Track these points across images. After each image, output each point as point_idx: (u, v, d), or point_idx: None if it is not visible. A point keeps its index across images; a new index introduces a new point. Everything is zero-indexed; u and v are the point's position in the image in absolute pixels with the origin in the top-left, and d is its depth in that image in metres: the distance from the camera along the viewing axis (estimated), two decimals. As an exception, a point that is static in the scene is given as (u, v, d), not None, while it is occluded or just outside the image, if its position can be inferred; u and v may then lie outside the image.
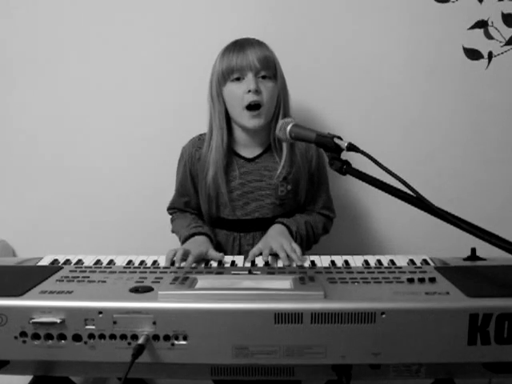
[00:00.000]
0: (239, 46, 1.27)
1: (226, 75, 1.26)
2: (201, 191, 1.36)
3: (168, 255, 1.11)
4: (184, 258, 1.10)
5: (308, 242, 1.35)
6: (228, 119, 1.33)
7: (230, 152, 1.34)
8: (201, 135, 1.39)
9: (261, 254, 1.16)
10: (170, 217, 1.45)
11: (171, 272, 1.03)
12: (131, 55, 1.59)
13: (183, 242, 1.27)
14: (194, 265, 1.11)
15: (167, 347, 0.85)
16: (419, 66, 1.58)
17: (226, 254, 1.31)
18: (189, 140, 1.40)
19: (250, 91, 1.24)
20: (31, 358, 0.88)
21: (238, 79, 1.26)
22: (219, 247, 1.34)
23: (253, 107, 1.25)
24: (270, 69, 1.27)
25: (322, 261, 1.12)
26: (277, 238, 1.20)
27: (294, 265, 1.10)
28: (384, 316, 0.83)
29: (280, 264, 1.12)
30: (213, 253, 1.16)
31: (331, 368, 0.88)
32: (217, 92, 1.30)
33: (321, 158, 1.39)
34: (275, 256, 1.14)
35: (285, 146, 1.32)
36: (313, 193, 1.40)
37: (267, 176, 1.34)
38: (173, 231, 1.40)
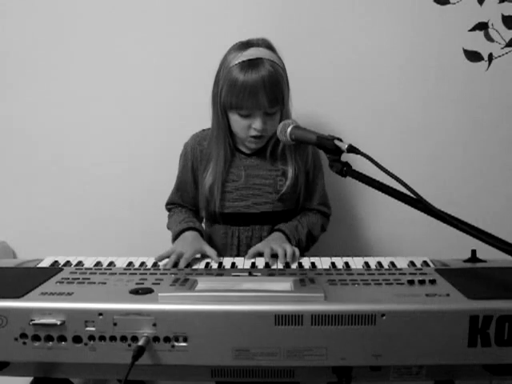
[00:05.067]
0: (251, 84, 1.21)
1: (233, 107, 1.25)
2: (201, 185, 1.37)
3: (161, 256, 1.14)
4: (177, 262, 1.13)
5: (307, 246, 1.36)
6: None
7: (232, 147, 1.35)
8: (203, 130, 1.40)
9: (260, 254, 1.18)
10: (168, 213, 1.45)
11: (171, 274, 1.03)
12: (131, 55, 1.59)
13: (174, 238, 1.29)
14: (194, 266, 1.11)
15: (167, 349, 0.84)
16: (420, 67, 1.58)
17: (224, 248, 1.36)
18: (191, 136, 1.41)
19: (255, 129, 1.26)
20: (31, 360, 0.88)
21: (245, 116, 1.26)
22: (212, 242, 1.36)
23: (256, 137, 1.28)
24: (277, 103, 1.26)
25: (323, 262, 1.12)
26: (277, 240, 1.23)
27: (294, 266, 1.11)
28: (384, 318, 0.83)
29: (280, 266, 1.12)
30: (207, 248, 1.19)
31: (331, 370, 0.88)
32: (221, 111, 1.29)
33: (316, 155, 1.41)
34: (275, 257, 1.16)
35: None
36: (309, 189, 1.41)
37: (267, 171, 1.35)
38: (168, 228, 1.41)
